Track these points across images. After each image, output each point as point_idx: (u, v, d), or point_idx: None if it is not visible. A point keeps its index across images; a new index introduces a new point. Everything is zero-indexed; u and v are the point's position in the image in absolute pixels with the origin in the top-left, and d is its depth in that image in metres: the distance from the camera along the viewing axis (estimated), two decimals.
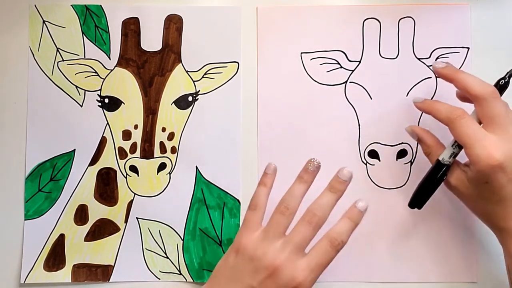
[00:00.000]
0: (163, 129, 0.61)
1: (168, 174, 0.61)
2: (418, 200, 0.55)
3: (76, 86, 0.62)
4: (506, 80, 0.53)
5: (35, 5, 0.62)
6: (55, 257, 0.61)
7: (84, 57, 0.62)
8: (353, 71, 0.61)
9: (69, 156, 0.61)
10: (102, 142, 0.61)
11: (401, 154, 0.61)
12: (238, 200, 0.61)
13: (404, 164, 0.61)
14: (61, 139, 0.61)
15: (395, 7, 0.62)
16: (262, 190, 0.54)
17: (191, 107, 0.62)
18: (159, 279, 0.61)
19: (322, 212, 0.51)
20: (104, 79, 0.62)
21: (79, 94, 0.62)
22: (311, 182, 0.53)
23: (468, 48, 0.61)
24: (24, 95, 0.62)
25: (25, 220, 0.61)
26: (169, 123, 0.61)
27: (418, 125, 0.61)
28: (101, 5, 0.62)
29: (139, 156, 0.61)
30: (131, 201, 0.61)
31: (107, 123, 0.61)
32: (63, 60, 0.62)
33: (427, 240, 0.60)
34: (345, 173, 0.53)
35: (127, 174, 0.61)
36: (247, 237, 0.52)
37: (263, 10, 0.62)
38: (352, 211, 0.53)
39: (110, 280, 0.60)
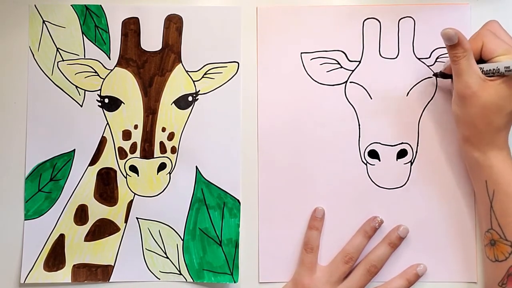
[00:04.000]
0: (163, 129, 0.61)
1: (168, 174, 0.61)
2: None
3: (76, 86, 0.62)
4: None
5: (35, 5, 0.62)
6: (55, 257, 0.61)
7: (84, 57, 0.62)
8: (353, 71, 0.61)
9: (69, 156, 0.61)
10: (102, 142, 0.61)
11: (401, 154, 0.61)
12: (238, 200, 0.61)
13: (404, 164, 0.61)
14: (61, 139, 0.61)
15: (395, 7, 0.62)
16: (315, 233, 0.60)
17: (191, 107, 0.62)
18: (159, 279, 0.61)
19: (381, 264, 0.59)
20: (104, 79, 0.62)
21: (79, 94, 0.62)
22: (371, 237, 0.60)
23: None
24: (24, 95, 0.62)
25: (25, 220, 0.61)
26: (169, 123, 0.61)
27: (418, 124, 0.61)
28: (101, 5, 0.62)
29: (139, 156, 0.61)
30: (131, 201, 0.61)
31: (107, 123, 0.61)
32: (63, 60, 0.62)
33: (427, 240, 0.60)
34: (403, 231, 0.59)
35: (127, 174, 0.61)
36: (309, 277, 0.58)
37: (263, 10, 0.62)
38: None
39: (110, 280, 0.60)
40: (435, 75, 0.60)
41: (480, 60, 0.55)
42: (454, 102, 0.55)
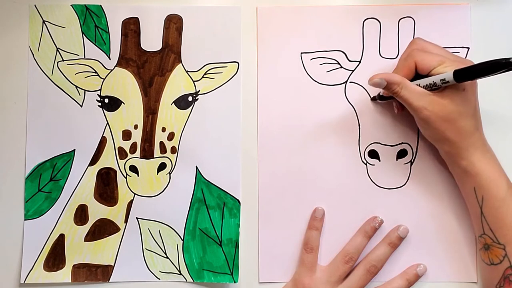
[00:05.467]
0: (163, 129, 0.61)
1: (168, 174, 0.61)
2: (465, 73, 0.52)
3: (76, 86, 0.62)
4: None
5: (35, 5, 0.62)
6: (55, 257, 0.61)
7: (84, 57, 0.62)
8: (353, 71, 0.61)
9: (69, 156, 0.61)
10: (102, 142, 0.61)
11: (401, 154, 0.61)
12: (238, 200, 0.61)
13: (404, 164, 0.61)
14: (61, 139, 0.61)
15: (395, 7, 0.62)
16: (315, 233, 0.60)
17: (191, 107, 0.62)
18: (159, 279, 0.61)
19: (381, 264, 0.59)
20: (104, 79, 0.62)
21: (79, 94, 0.62)
22: (371, 237, 0.60)
23: (468, 48, 0.61)
24: (24, 95, 0.62)
25: (25, 220, 0.61)
26: (169, 123, 0.61)
27: None
28: (101, 5, 0.62)
29: (139, 156, 0.61)
30: (131, 201, 0.61)
31: (107, 123, 0.61)
32: (63, 60, 0.62)
33: (427, 240, 0.60)
34: (403, 231, 0.60)
35: (127, 174, 0.61)
36: (310, 277, 0.58)
37: (263, 10, 0.62)
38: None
39: (110, 280, 0.60)
40: (373, 99, 0.61)
41: (417, 75, 0.55)
42: (420, 127, 0.56)
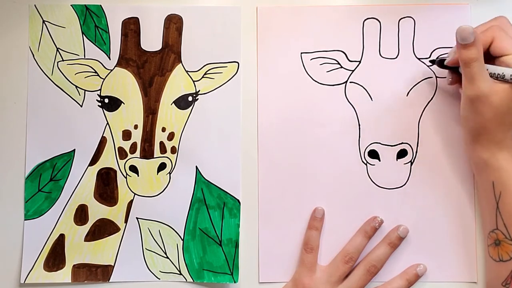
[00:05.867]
0: (163, 129, 0.61)
1: (168, 174, 0.61)
2: None
3: (76, 86, 0.62)
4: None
5: (35, 5, 0.62)
6: (55, 257, 0.61)
7: (84, 57, 0.62)
8: (353, 71, 0.61)
9: (69, 156, 0.61)
10: (102, 142, 0.61)
11: (401, 154, 0.61)
12: (238, 200, 0.61)
13: (404, 164, 0.61)
14: (61, 139, 0.61)
15: (395, 7, 0.62)
16: (315, 233, 0.60)
17: (191, 107, 0.62)
18: (159, 279, 0.61)
19: (381, 264, 0.59)
20: (104, 79, 0.62)
21: (79, 94, 0.62)
22: (371, 237, 0.60)
23: None
24: (24, 95, 0.62)
25: (25, 220, 0.61)
26: (169, 123, 0.61)
27: (418, 124, 0.61)
28: (101, 5, 0.62)
29: (139, 156, 0.61)
30: (131, 201, 0.61)
31: (107, 123, 0.61)
32: (63, 60, 0.62)
33: (427, 240, 0.60)
34: (403, 231, 0.60)
35: (127, 174, 0.61)
36: (310, 277, 0.58)
37: (263, 10, 0.62)
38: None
39: (110, 280, 0.60)
40: (432, 61, 0.59)
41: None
42: (465, 106, 0.54)
